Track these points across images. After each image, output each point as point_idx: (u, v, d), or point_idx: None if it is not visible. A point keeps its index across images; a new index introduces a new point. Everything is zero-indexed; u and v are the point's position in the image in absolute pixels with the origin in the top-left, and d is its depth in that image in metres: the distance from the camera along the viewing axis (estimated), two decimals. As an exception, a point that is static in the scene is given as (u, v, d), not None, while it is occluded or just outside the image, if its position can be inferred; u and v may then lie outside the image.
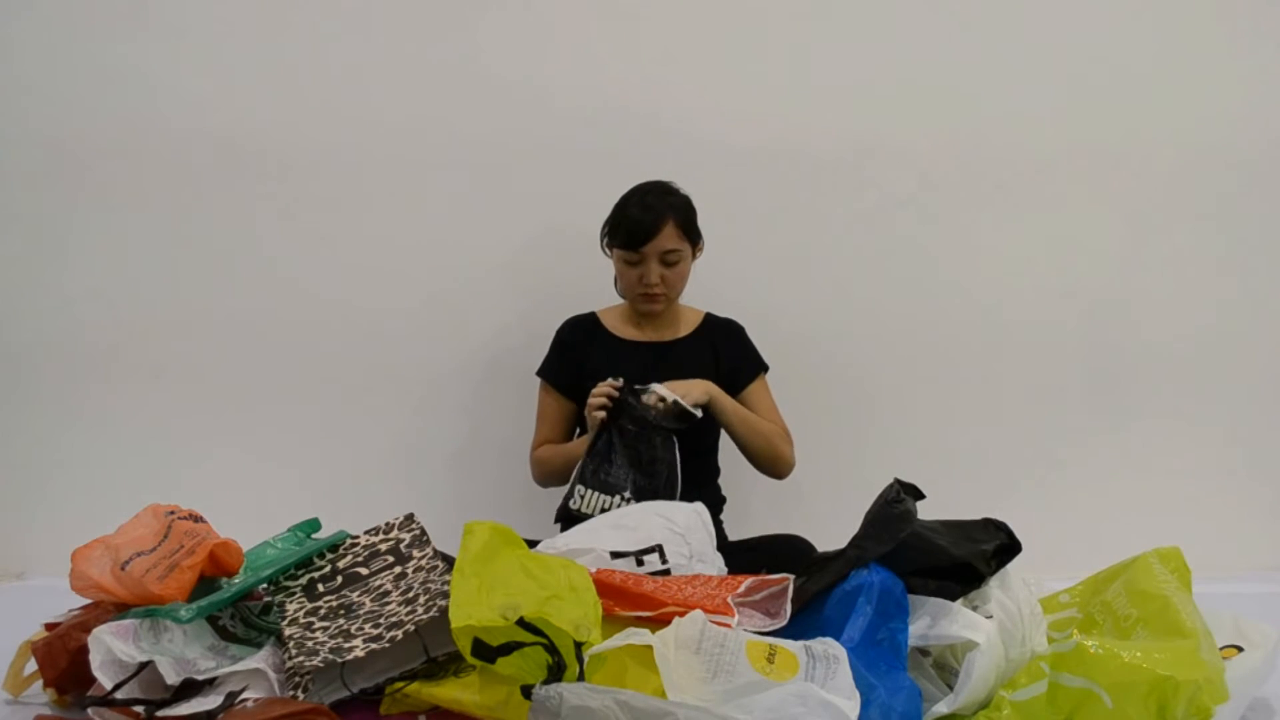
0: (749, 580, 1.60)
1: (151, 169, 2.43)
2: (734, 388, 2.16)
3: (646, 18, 2.44)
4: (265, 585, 1.69)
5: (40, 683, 1.54)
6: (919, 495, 1.61)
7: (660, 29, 2.44)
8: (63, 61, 2.41)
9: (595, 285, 2.28)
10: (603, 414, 1.97)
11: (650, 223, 2.06)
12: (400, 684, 1.42)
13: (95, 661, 1.41)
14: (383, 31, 2.42)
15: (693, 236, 2.12)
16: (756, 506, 2.26)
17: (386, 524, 1.77)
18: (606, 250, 2.18)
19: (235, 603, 1.65)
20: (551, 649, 1.33)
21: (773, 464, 2.14)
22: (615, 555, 1.71)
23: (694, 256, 2.15)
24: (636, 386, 1.98)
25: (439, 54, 2.43)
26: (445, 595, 1.43)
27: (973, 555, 1.52)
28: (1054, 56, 2.45)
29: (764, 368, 2.22)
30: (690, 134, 2.43)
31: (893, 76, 2.44)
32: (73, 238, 2.45)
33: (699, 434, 2.10)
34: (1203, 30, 2.46)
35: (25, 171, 2.43)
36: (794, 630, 1.48)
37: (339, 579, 1.67)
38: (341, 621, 1.53)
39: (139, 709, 1.39)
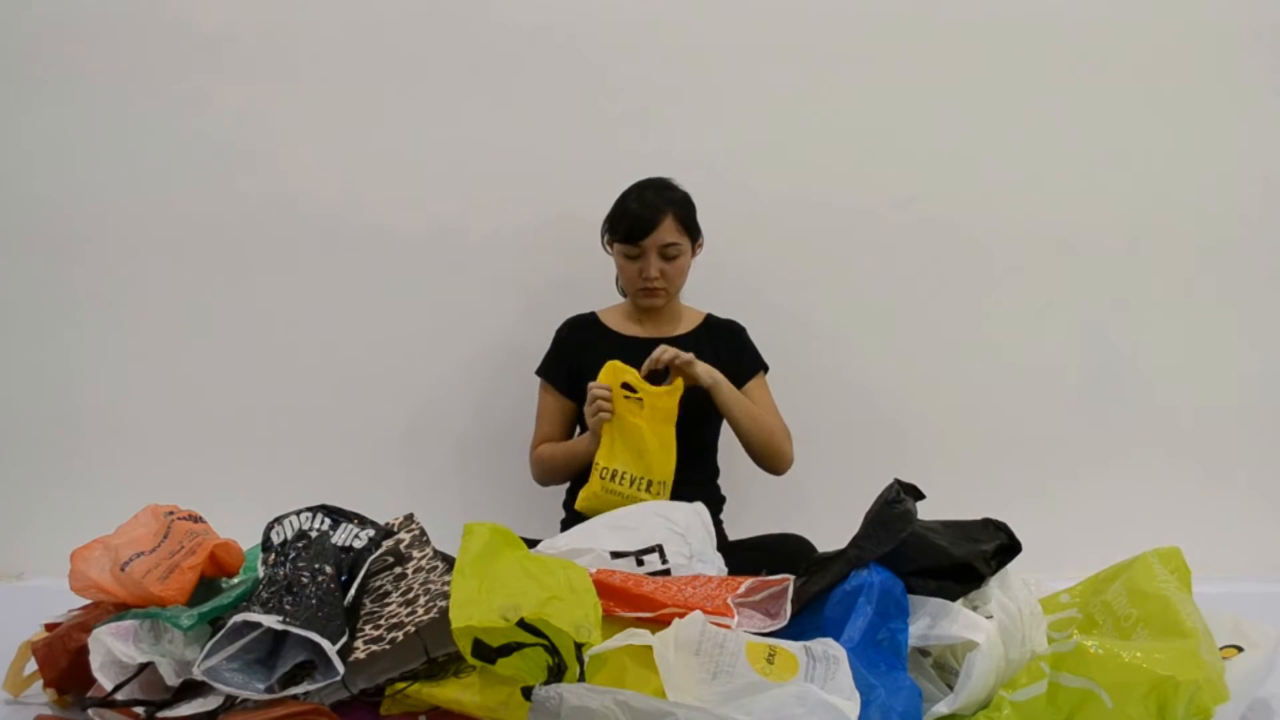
0: (749, 581, 1.60)
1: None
2: (734, 386, 2.16)
3: (649, 20, 2.44)
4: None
5: (40, 683, 1.54)
6: (919, 495, 1.61)
7: (662, 29, 2.44)
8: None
9: (599, 282, 2.28)
10: (607, 415, 1.97)
11: (649, 216, 2.07)
12: (400, 685, 1.42)
13: (95, 662, 1.41)
14: (385, 30, 2.43)
15: (692, 232, 2.13)
16: (756, 506, 2.25)
17: (386, 524, 1.77)
18: (607, 247, 2.18)
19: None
20: (552, 650, 1.33)
21: (773, 459, 2.14)
22: (615, 555, 1.71)
23: (694, 252, 2.16)
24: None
25: (443, 46, 2.43)
26: (445, 596, 1.44)
27: (973, 555, 1.52)
28: (1058, 75, 2.45)
29: (764, 367, 2.22)
30: (691, 132, 2.43)
31: (894, 75, 2.44)
32: (68, 232, 2.44)
33: (697, 432, 2.10)
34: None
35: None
36: (794, 630, 1.49)
37: (339, 579, 1.67)
38: (341, 622, 1.52)
39: (139, 710, 1.39)
